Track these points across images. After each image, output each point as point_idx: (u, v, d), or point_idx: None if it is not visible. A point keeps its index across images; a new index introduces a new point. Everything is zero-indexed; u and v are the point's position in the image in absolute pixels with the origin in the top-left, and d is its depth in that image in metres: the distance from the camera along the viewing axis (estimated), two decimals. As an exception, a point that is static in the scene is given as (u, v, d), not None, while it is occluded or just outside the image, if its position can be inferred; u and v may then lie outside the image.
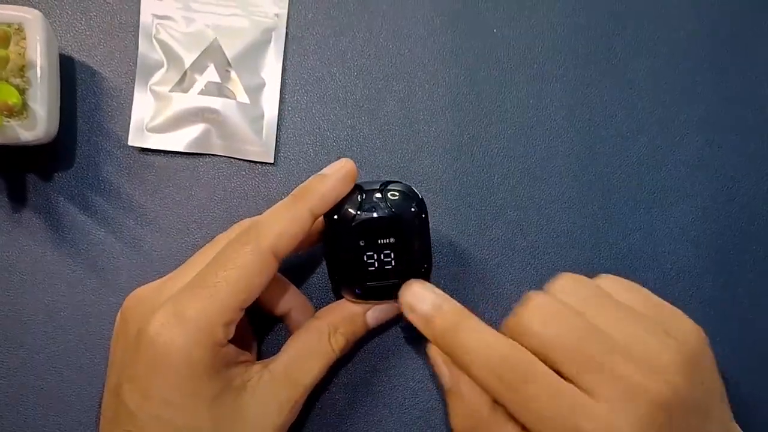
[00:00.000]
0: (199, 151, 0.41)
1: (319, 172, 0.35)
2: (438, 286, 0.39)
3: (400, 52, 0.42)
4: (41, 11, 0.37)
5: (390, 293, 0.37)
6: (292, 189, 0.40)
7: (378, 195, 0.35)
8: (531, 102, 0.42)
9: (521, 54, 0.42)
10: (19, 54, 0.36)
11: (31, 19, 0.36)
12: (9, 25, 0.36)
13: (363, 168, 0.41)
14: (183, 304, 0.31)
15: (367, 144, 0.41)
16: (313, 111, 0.42)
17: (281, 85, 0.41)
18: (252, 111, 0.41)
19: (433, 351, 0.34)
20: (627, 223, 0.41)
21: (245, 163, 0.41)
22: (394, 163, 0.41)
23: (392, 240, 0.35)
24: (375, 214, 0.35)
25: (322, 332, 0.36)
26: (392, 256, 0.35)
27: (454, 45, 0.42)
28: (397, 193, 0.35)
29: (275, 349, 0.36)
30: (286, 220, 0.33)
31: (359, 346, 0.39)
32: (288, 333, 0.38)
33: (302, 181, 0.40)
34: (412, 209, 0.35)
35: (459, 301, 0.40)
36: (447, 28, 0.42)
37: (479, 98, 0.42)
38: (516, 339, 0.32)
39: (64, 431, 0.39)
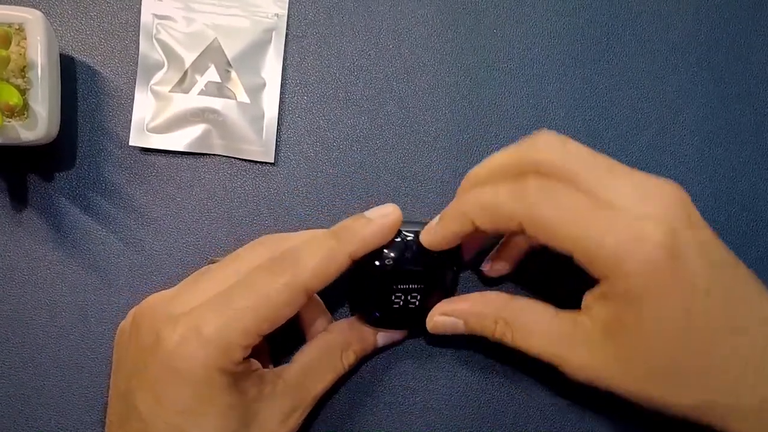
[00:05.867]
0: (199, 151, 0.41)
1: (365, 214, 0.35)
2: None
3: (400, 52, 0.42)
4: (42, 11, 0.37)
5: (404, 325, 0.38)
6: (293, 189, 0.41)
7: (417, 245, 0.35)
8: (531, 102, 0.42)
9: (521, 54, 0.42)
10: (20, 54, 0.36)
11: (32, 19, 0.36)
12: (10, 25, 0.36)
13: (363, 168, 0.41)
14: (205, 320, 0.31)
15: (367, 144, 0.41)
16: (314, 111, 0.42)
17: (281, 85, 0.41)
18: (252, 111, 0.41)
19: (435, 322, 0.36)
20: (627, 223, 0.41)
21: (246, 162, 0.41)
22: (393, 163, 0.41)
23: (422, 285, 0.36)
24: (412, 267, 0.35)
25: (334, 348, 0.37)
26: (418, 298, 0.36)
27: (454, 45, 0.42)
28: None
29: (281, 347, 0.36)
30: (325, 259, 0.32)
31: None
32: (298, 330, 0.39)
33: (302, 181, 0.41)
34: (449, 263, 0.36)
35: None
36: (447, 28, 0.42)
37: (479, 98, 0.42)
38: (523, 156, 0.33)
39: (66, 431, 0.39)
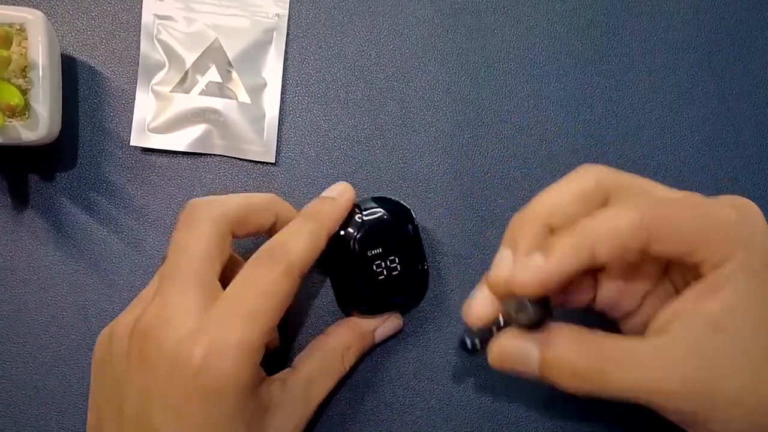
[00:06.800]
0: (200, 151, 0.41)
1: (326, 195, 0.37)
2: (438, 286, 0.40)
3: (401, 53, 0.42)
4: (43, 11, 0.37)
5: (397, 300, 0.38)
6: (294, 189, 0.41)
7: (376, 210, 0.37)
8: (531, 102, 0.42)
9: (521, 54, 0.42)
10: (21, 54, 0.36)
11: (33, 19, 0.36)
12: (11, 25, 0.36)
13: (363, 168, 0.41)
14: (225, 331, 0.30)
15: (367, 144, 0.41)
16: (314, 111, 0.42)
17: (282, 85, 0.42)
18: (253, 111, 0.41)
19: (499, 358, 0.31)
20: (627, 222, 0.41)
21: (246, 163, 0.41)
22: (394, 163, 0.41)
23: (394, 248, 0.37)
24: (376, 226, 0.37)
25: (336, 351, 0.37)
26: (397, 261, 0.37)
27: (454, 45, 0.42)
28: (389, 206, 0.38)
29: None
30: (310, 242, 0.34)
31: (360, 346, 0.39)
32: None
33: (303, 182, 0.41)
34: (405, 219, 0.38)
35: (459, 302, 0.40)
36: (447, 28, 0.42)
37: (479, 98, 0.42)
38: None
39: (66, 431, 0.39)
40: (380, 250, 0.37)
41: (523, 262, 0.30)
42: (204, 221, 0.33)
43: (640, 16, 0.43)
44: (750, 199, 0.31)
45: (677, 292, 0.32)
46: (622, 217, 0.29)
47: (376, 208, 0.37)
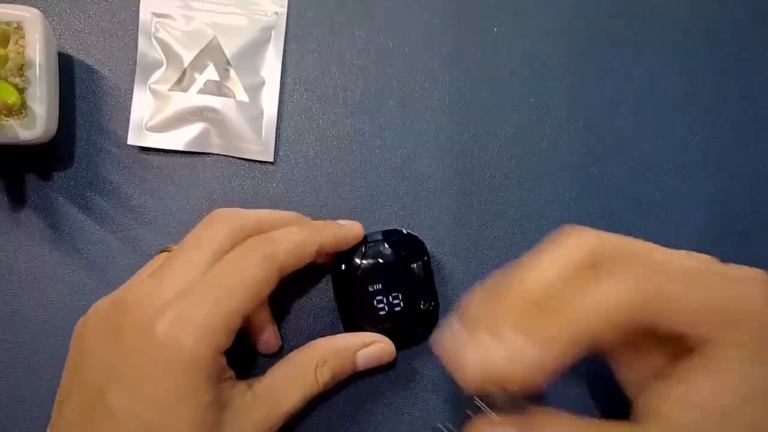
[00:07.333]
0: (198, 150, 0.41)
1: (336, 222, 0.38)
2: (438, 286, 0.40)
3: (400, 51, 0.42)
4: (40, 10, 0.37)
5: (398, 336, 0.39)
6: (292, 188, 0.41)
7: (382, 244, 0.38)
8: (531, 102, 0.42)
9: (521, 54, 0.42)
10: (18, 53, 0.36)
11: (30, 17, 0.36)
12: (8, 23, 0.36)
13: (362, 168, 0.41)
14: (193, 305, 0.31)
15: (366, 143, 0.41)
16: (313, 110, 0.41)
17: (281, 84, 0.41)
18: (251, 110, 0.41)
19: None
20: (627, 223, 0.41)
21: (244, 162, 0.41)
22: (393, 162, 0.41)
23: (398, 284, 0.38)
24: (379, 261, 0.38)
25: (309, 363, 0.36)
26: (400, 297, 0.38)
27: (454, 45, 0.42)
28: (398, 240, 0.39)
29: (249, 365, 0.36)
30: (297, 243, 0.34)
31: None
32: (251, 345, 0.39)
33: (301, 181, 0.41)
34: (414, 254, 0.38)
35: (459, 302, 0.40)
36: (447, 27, 0.42)
37: (479, 98, 0.42)
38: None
39: (63, 431, 0.39)
40: (380, 285, 0.38)
41: (510, 352, 0.26)
42: (221, 224, 0.34)
43: (640, 15, 0.43)
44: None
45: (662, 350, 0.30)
46: (618, 293, 0.27)
47: (383, 242, 0.38)
